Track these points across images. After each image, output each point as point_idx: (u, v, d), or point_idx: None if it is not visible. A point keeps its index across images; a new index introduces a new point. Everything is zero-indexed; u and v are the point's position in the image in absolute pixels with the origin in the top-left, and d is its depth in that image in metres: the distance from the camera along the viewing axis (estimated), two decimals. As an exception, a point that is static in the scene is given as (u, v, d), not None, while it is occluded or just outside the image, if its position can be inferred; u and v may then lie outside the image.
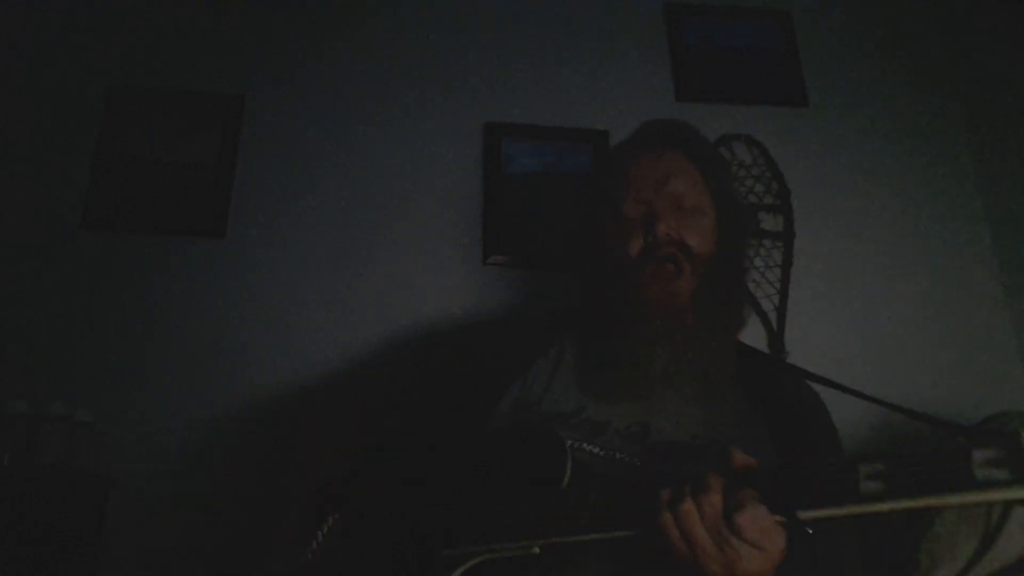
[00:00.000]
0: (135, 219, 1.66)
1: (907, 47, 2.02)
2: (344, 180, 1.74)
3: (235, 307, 1.62)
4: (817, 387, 1.00)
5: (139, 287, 1.62)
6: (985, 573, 1.15)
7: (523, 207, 1.74)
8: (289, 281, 1.65)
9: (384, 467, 1.01)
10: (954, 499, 0.56)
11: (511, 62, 1.88)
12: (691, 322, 0.95)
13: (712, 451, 0.88)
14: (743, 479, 0.66)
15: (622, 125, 1.18)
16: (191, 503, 1.47)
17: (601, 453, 0.88)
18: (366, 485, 0.98)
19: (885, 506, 0.59)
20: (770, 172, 1.84)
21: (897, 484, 0.58)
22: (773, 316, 1.72)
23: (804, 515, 0.63)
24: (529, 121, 1.81)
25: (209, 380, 1.56)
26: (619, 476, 0.86)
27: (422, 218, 1.73)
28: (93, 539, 1.33)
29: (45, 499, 1.29)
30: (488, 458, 0.92)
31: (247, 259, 1.66)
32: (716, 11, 1.98)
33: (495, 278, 1.69)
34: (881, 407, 0.85)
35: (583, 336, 1.03)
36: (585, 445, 0.88)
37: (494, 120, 1.81)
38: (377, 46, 1.87)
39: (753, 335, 1.66)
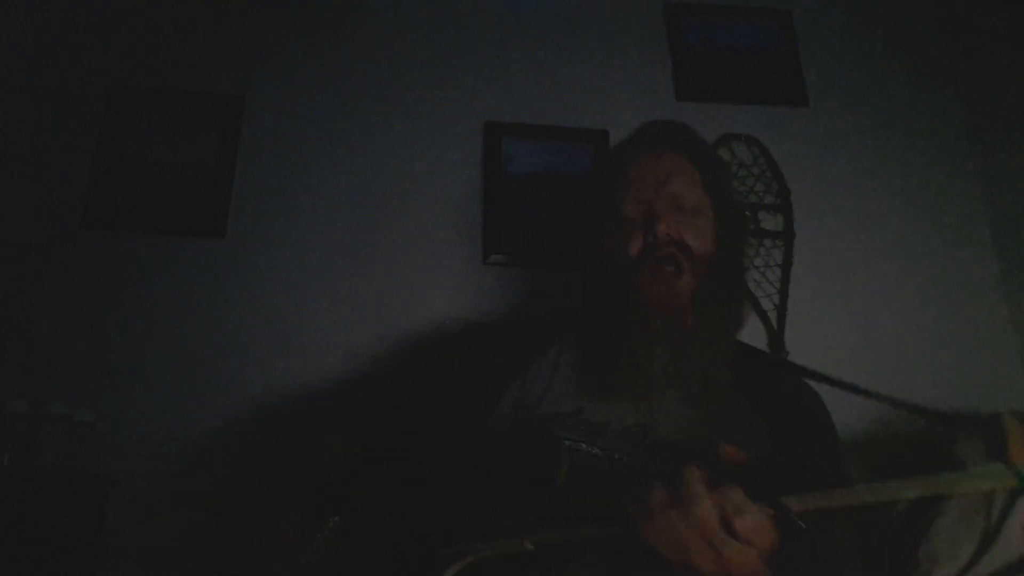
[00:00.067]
0: (135, 219, 1.66)
1: (907, 47, 2.02)
2: (344, 180, 1.74)
3: (235, 307, 1.62)
4: (818, 387, 1.00)
5: (139, 287, 1.62)
6: (985, 573, 1.15)
7: (523, 207, 1.74)
8: (289, 281, 1.65)
9: (384, 467, 1.01)
10: (939, 485, 0.56)
11: (511, 62, 1.88)
12: (691, 322, 0.96)
13: (710, 451, 0.88)
14: (730, 473, 0.66)
15: (622, 125, 1.19)
16: (191, 503, 1.47)
17: (600, 453, 0.88)
18: (366, 485, 0.98)
19: (871, 494, 0.59)
20: (770, 172, 1.84)
21: (884, 473, 0.58)
22: (773, 316, 1.72)
23: (791, 503, 0.62)
24: (529, 121, 1.81)
25: (209, 380, 1.56)
26: (617, 476, 0.86)
27: (422, 218, 1.73)
28: (93, 539, 1.33)
29: (45, 499, 1.29)
30: (487, 458, 0.92)
31: (247, 259, 1.66)
32: (716, 11, 1.98)
33: (495, 278, 1.69)
34: (875, 403, 0.85)
35: (583, 336, 1.03)
36: (583, 445, 0.88)
37: (494, 120, 1.81)
38: (377, 46, 1.87)
39: (753, 335, 1.66)
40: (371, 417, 1.14)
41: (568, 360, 1.02)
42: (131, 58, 1.79)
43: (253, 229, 1.69)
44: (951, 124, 1.95)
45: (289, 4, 1.88)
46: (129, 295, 1.61)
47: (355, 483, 0.98)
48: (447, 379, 1.11)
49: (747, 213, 1.74)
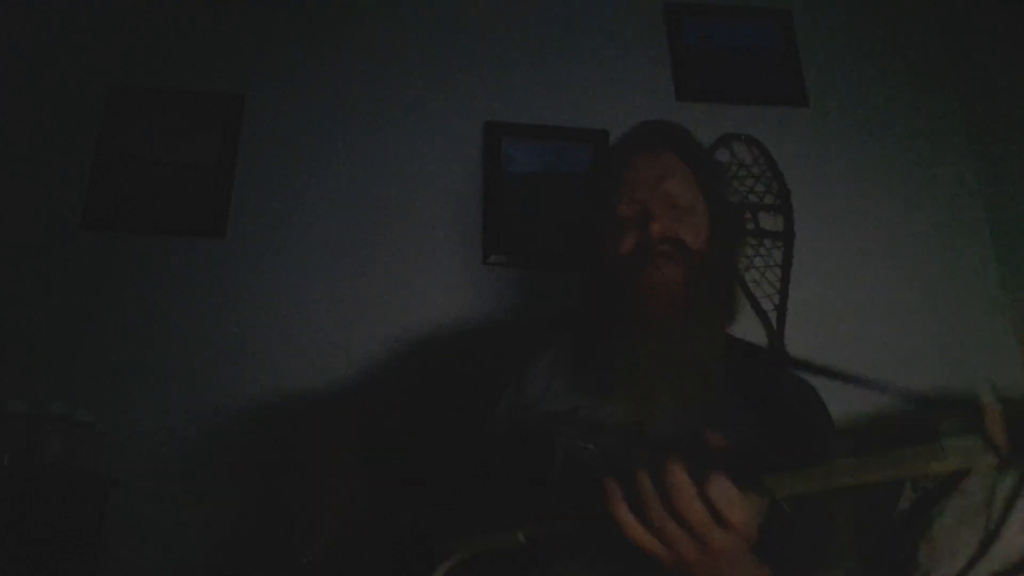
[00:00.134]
0: (135, 219, 1.66)
1: (907, 47, 2.02)
2: (344, 180, 1.74)
3: (235, 307, 1.62)
4: (815, 382, 1.00)
5: (139, 287, 1.62)
6: (985, 573, 1.15)
7: (523, 207, 1.74)
8: (289, 281, 1.65)
9: (384, 467, 1.01)
10: (916, 461, 0.56)
11: (511, 62, 1.88)
12: (684, 316, 0.96)
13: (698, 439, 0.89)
14: (716, 459, 0.67)
15: (622, 125, 1.18)
16: (191, 503, 1.47)
17: (595, 450, 0.89)
18: (367, 486, 0.98)
19: (851, 472, 0.59)
20: (770, 172, 1.84)
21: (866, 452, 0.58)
22: (773, 316, 1.72)
23: (774, 484, 0.63)
24: (529, 121, 1.82)
25: (209, 380, 1.56)
26: (610, 472, 0.86)
27: (422, 218, 1.73)
28: (93, 539, 1.33)
29: (45, 499, 1.29)
30: (484, 457, 0.93)
31: (247, 259, 1.66)
32: (716, 11, 1.98)
33: (495, 278, 1.70)
34: (869, 396, 0.85)
35: (580, 335, 1.04)
36: (580, 443, 0.89)
37: (494, 120, 1.81)
38: (377, 46, 1.87)
39: (753, 335, 1.66)
40: (372, 417, 1.14)
41: (566, 359, 1.02)
42: (131, 58, 1.79)
43: (253, 229, 1.69)
44: (951, 124, 1.95)
45: (289, 4, 1.88)
46: (129, 295, 1.61)
47: (356, 483, 0.98)
48: (447, 379, 1.11)
49: (742, 212, 1.74)
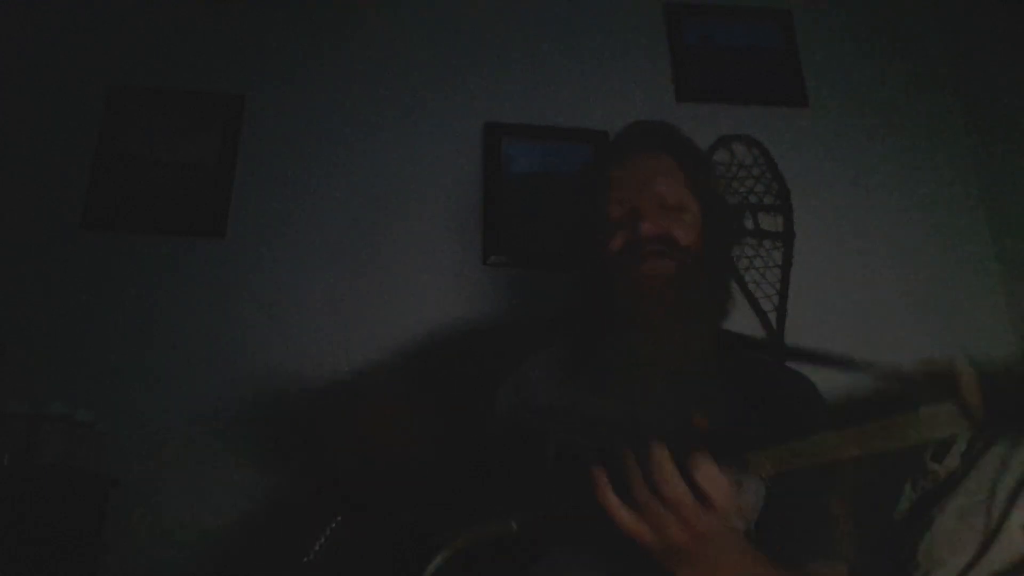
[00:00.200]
0: (135, 219, 1.66)
1: (907, 47, 2.02)
2: (344, 180, 1.74)
3: (235, 307, 1.62)
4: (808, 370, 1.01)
5: (139, 287, 1.62)
6: (985, 573, 1.15)
7: (523, 207, 1.74)
8: (289, 281, 1.65)
9: (385, 467, 1.01)
10: (894, 430, 0.56)
11: (511, 62, 1.88)
12: (675, 312, 0.96)
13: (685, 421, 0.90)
14: (700, 439, 0.67)
15: (622, 125, 1.19)
16: (191, 503, 1.47)
17: (591, 446, 0.89)
18: (367, 486, 0.98)
19: (830, 445, 0.59)
20: (770, 172, 1.84)
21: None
22: (773, 316, 1.72)
23: (756, 460, 0.63)
24: (529, 121, 1.82)
25: (209, 380, 1.56)
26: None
27: (422, 218, 1.73)
28: (93, 539, 1.34)
29: (45, 499, 1.29)
30: (483, 456, 0.93)
31: (247, 259, 1.66)
32: (716, 11, 1.98)
33: (495, 278, 1.70)
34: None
35: (575, 334, 1.05)
36: (578, 439, 0.89)
37: (494, 120, 1.81)
38: (377, 46, 1.87)
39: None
40: (372, 416, 1.14)
41: (562, 358, 1.03)
42: (131, 58, 1.79)
43: (253, 229, 1.69)
44: (951, 124, 1.95)
45: (289, 4, 1.88)
46: (129, 295, 1.61)
47: (356, 482, 0.99)
48: (446, 379, 1.12)
49: (735, 208, 1.74)
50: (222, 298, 1.63)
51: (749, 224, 1.79)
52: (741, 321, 1.11)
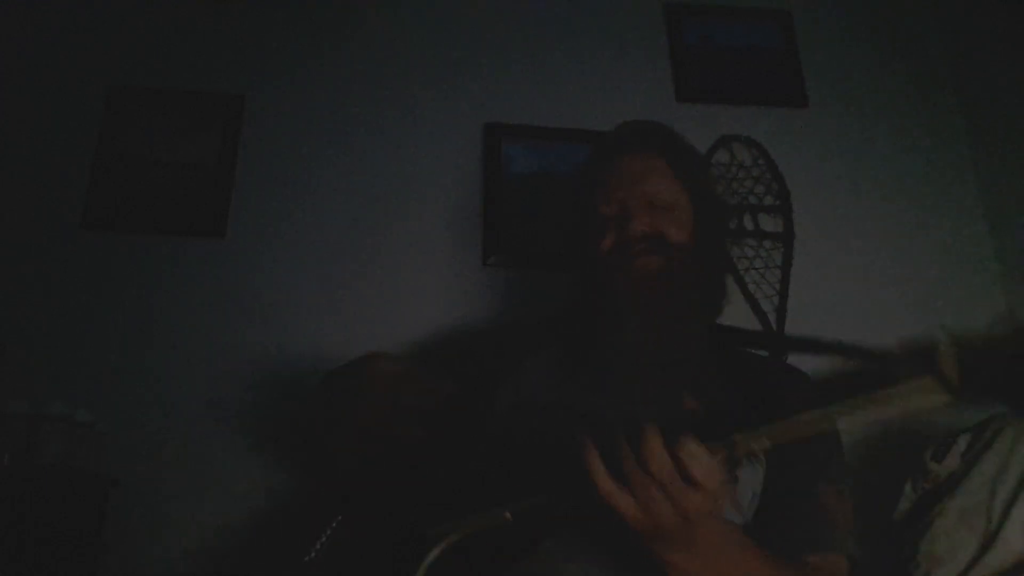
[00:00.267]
0: (135, 219, 1.66)
1: (907, 47, 2.02)
2: (344, 180, 1.74)
3: (235, 307, 1.62)
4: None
5: (139, 287, 1.62)
6: (985, 574, 1.15)
7: (523, 207, 1.74)
8: (289, 281, 1.65)
9: (385, 467, 1.01)
10: (873, 404, 0.57)
11: (511, 62, 1.88)
12: (666, 308, 0.97)
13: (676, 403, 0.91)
14: (686, 421, 0.69)
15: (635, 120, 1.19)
16: (191, 503, 1.47)
17: (586, 431, 0.90)
18: (367, 487, 0.98)
19: (813, 422, 0.61)
20: (770, 173, 1.84)
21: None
22: (773, 316, 1.72)
23: (741, 440, 0.64)
24: (529, 121, 1.81)
25: (209, 380, 1.56)
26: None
27: (422, 219, 1.73)
28: (93, 539, 1.33)
29: (45, 499, 1.29)
30: (483, 456, 0.93)
31: (247, 259, 1.66)
32: (716, 11, 1.98)
33: (495, 278, 1.70)
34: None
35: (571, 333, 1.06)
36: (569, 432, 0.90)
37: (494, 120, 1.81)
38: (377, 46, 1.87)
39: (753, 335, 1.66)
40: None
41: (560, 356, 1.04)
42: (131, 58, 1.79)
43: (253, 229, 1.69)
44: (951, 124, 1.95)
45: (289, 4, 1.88)
46: (129, 295, 1.61)
47: (357, 485, 0.99)
48: (446, 379, 1.12)
49: (728, 204, 1.75)
50: (222, 298, 1.63)
51: (748, 224, 1.80)
52: (741, 321, 1.11)
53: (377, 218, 1.72)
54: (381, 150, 1.78)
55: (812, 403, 0.97)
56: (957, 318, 1.75)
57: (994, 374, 0.52)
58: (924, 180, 1.88)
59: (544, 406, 0.97)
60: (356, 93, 1.82)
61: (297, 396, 1.56)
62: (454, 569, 0.81)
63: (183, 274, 1.64)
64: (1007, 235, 1.81)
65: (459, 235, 1.72)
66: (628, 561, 0.77)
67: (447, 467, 0.97)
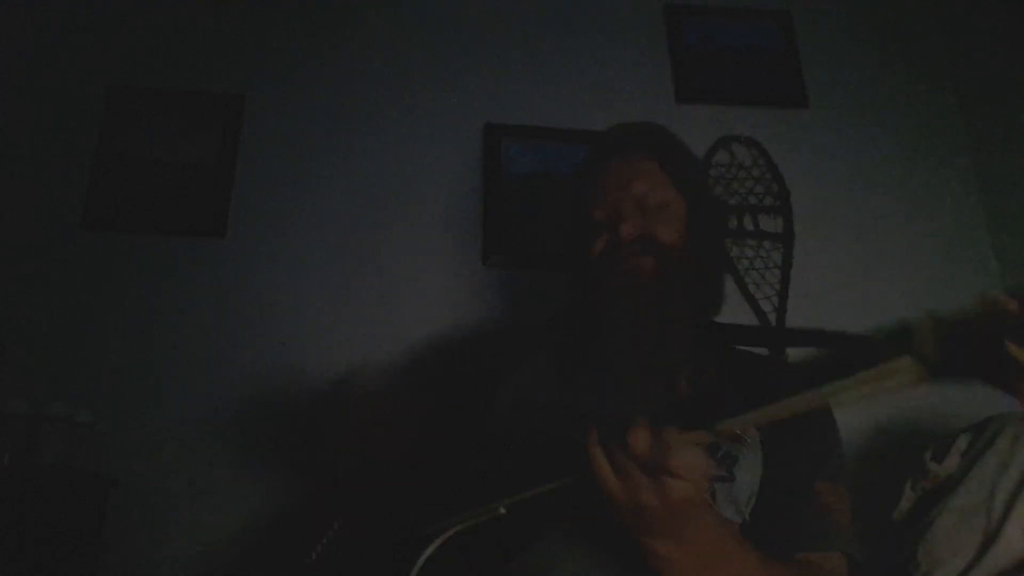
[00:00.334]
0: (135, 219, 1.66)
1: (907, 47, 2.02)
2: (344, 180, 1.74)
3: (235, 307, 1.62)
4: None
5: (139, 287, 1.62)
6: (985, 574, 1.15)
7: (523, 208, 1.74)
8: (289, 281, 1.65)
9: (385, 467, 1.02)
10: (853, 385, 0.59)
11: (511, 62, 1.88)
12: (659, 309, 0.97)
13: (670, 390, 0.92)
14: (673, 409, 0.70)
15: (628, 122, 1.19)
16: (191, 503, 1.47)
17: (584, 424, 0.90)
18: (368, 490, 0.99)
19: (794, 405, 0.62)
20: (770, 173, 1.84)
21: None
22: (773, 316, 1.72)
23: (725, 427, 0.66)
24: (529, 121, 1.81)
25: (209, 380, 1.56)
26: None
27: (422, 218, 1.73)
28: (93, 539, 1.33)
29: (45, 499, 1.29)
30: (482, 456, 0.93)
31: (247, 259, 1.66)
32: (716, 11, 1.98)
33: (495, 278, 1.70)
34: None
35: (568, 334, 1.06)
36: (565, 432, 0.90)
37: (494, 120, 1.81)
38: (377, 46, 1.87)
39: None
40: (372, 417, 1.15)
41: (555, 360, 1.04)
42: (131, 58, 1.79)
43: (253, 229, 1.69)
44: (951, 124, 1.95)
45: (289, 4, 1.88)
46: (129, 295, 1.61)
47: (358, 488, 0.99)
48: (446, 379, 1.12)
49: (724, 202, 1.74)
50: (222, 298, 1.63)
51: (748, 224, 1.80)
52: (741, 321, 1.12)
53: (377, 218, 1.72)
54: (381, 150, 1.78)
55: (796, 387, 0.98)
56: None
57: (968, 350, 0.53)
58: (924, 180, 1.88)
59: (543, 407, 0.97)
60: (356, 93, 1.82)
61: (297, 396, 1.57)
62: (454, 568, 0.81)
63: (183, 274, 1.64)
64: (1007, 235, 1.81)
65: (459, 235, 1.72)
66: (627, 561, 0.77)
67: (447, 467, 0.97)
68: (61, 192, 1.66)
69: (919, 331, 0.55)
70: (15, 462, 1.30)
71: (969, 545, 1.18)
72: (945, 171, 1.90)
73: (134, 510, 1.43)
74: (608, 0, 1.98)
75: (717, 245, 1.13)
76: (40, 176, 1.68)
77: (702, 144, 1.82)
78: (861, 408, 1.61)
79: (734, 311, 1.68)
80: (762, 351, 1.29)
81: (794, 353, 0.98)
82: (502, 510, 0.77)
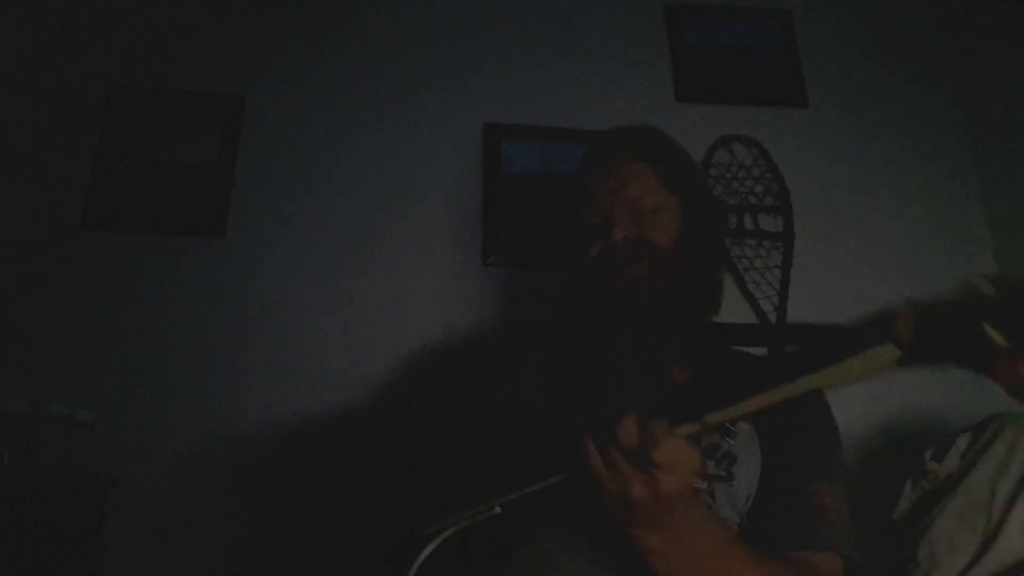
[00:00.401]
0: (135, 219, 1.66)
1: (907, 47, 2.02)
2: (344, 180, 1.74)
3: (235, 307, 1.62)
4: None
5: (139, 287, 1.62)
6: (985, 573, 1.15)
7: (523, 207, 1.74)
8: (289, 281, 1.65)
9: (385, 469, 1.02)
10: (837, 373, 0.62)
11: (511, 62, 1.88)
12: (654, 313, 0.98)
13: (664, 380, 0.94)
14: (663, 402, 0.72)
15: (621, 125, 1.19)
16: (191, 503, 1.47)
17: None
18: (368, 490, 0.99)
19: (784, 393, 0.64)
20: (770, 173, 1.84)
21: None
22: (773, 316, 1.72)
23: (713, 418, 0.67)
24: (529, 121, 1.81)
25: (209, 380, 1.56)
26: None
27: (422, 218, 1.73)
28: (93, 539, 1.33)
29: (45, 499, 1.28)
30: (481, 457, 0.94)
31: (247, 259, 1.66)
32: (716, 11, 1.98)
33: (495, 278, 1.70)
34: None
35: (564, 339, 1.07)
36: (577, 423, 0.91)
37: (494, 120, 1.81)
38: (377, 46, 1.87)
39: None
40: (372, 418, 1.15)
41: (555, 362, 1.04)
42: (131, 58, 1.79)
43: (253, 229, 1.69)
44: (951, 124, 1.95)
45: (289, 4, 1.88)
46: (129, 295, 1.61)
47: (357, 485, 1.00)
48: (446, 379, 1.12)
49: (722, 201, 1.75)
50: (222, 298, 1.63)
51: (748, 224, 1.80)
52: (741, 322, 1.12)
53: (377, 218, 1.72)
54: (381, 150, 1.78)
55: (815, 408, 0.98)
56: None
57: (946, 334, 0.55)
58: (924, 180, 1.88)
59: (541, 409, 0.97)
60: (356, 93, 1.82)
61: (297, 396, 1.57)
62: (452, 568, 0.81)
63: (183, 274, 1.64)
64: (1007, 235, 1.81)
65: (459, 235, 1.72)
66: (622, 559, 0.78)
67: (447, 467, 0.97)
68: (61, 192, 1.66)
69: (900, 321, 0.57)
70: (15, 462, 1.30)
71: (969, 545, 1.18)
72: (945, 171, 1.90)
73: (134, 510, 1.43)
74: (608, 0, 1.98)
75: (714, 246, 1.13)
76: (40, 176, 1.68)
77: (702, 143, 1.82)
78: (860, 408, 1.61)
79: (734, 311, 1.68)
80: (761, 351, 1.29)
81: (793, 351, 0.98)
82: (497, 509, 0.77)
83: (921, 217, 1.84)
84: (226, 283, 1.64)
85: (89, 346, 1.56)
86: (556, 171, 1.77)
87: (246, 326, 1.61)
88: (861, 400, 1.56)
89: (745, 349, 1.13)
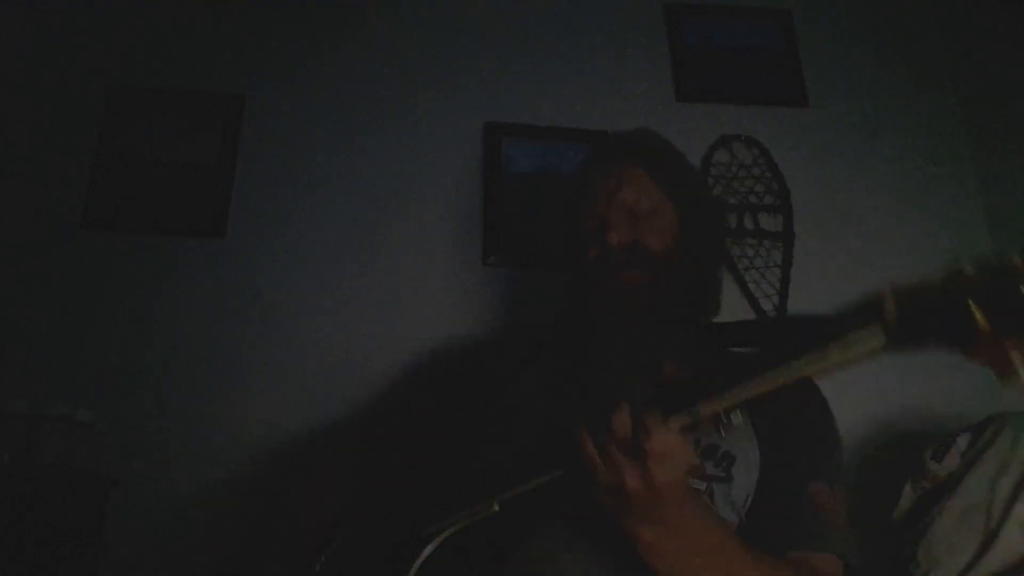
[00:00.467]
0: (135, 219, 1.66)
1: (907, 47, 2.02)
2: (344, 180, 1.74)
3: (235, 307, 1.62)
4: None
5: (139, 287, 1.62)
6: (985, 573, 1.15)
7: (523, 207, 1.74)
8: (289, 281, 1.65)
9: (385, 469, 1.02)
10: (825, 357, 0.61)
11: (511, 62, 1.88)
12: (651, 316, 0.98)
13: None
14: (657, 394, 0.72)
15: (622, 125, 1.19)
16: (191, 503, 1.47)
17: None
18: (368, 503, 1.00)
19: (773, 380, 0.64)
20: (770, 172, 1.84)
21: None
22: (773, 316, 1.72)
23: (705, 408, 0.68)
24: (529, 121, 1.81)
25: (209, 379, 1.56)
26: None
27: (422, 218, 1.73)
28: (93, 539, 1.33)
29: (45, 499, 1.28)
30: (482, 458, 0.94)
31: (247, 259, 1.66)
32: (716, 11, 1.98)
33: (495, 278, 1.70)
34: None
35: (563, 342, 1.07)
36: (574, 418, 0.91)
37: (494, 120, 1.81)
38: (377, 46, 1.86)
39: (753, 335, 1.66)
40: (372, 418, 1.16)
41: (554, 364, 1.05)
42: (131, 58, 1.79)
43: (253, 229, 1.69)
44: (950, 124, 1.95)
45: (289, 4, 1.88)
46: (129, 295, 1.61)
47: (358, 503, 1.00)
48: (446, 379, 1.12)
49: (719, 201, 1.75)
50: (222, 298, 1.63)
51: (748, 223, 1.80)
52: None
53: (377, 218, 1.72)
54: (381, 150, 1.78)
55: (815, 408, 0.98)
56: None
57: (930, 316, 0.56)
58: (924, 180, 1.88)
59: (541, 409, 0.97)
60: (356, 93, 1.82)
61: (297, 396, 1.57)
62: (454, 568, 0.82)
63: (183, 274, 1.64)
64: (1007, 235, 1.81)
65: (459, 235, 1.72)
66: (621, 557, 0.78)
67: (447, 467, 0.97)
68: (61, 192, 1.66)
69: (886, 304, 0.57)
70: (15, 462, 1.30)
71: (969, 545, 1.18)
72: (945, 171, 1.90)
73: (134, 510, 1.43)
74: (608, 0, 1.98)
75: (712, 248, 1.14)
76: (40, 176, 1.68)
77: (702, 143, 1.82)
78: (860, 408, 1.61)
79: (734, 311, 1.68)
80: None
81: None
82: (496, 507, 0.77)
83: (921, 217, 1.84)
84: (226, 283, 1.64)
85: (89, 346, 1.56)
86: (556, 171, 1.77)
87: (246, 326, 1.61)
88: (861, 400, 1.56)
89: (745, 350, 1.13)
